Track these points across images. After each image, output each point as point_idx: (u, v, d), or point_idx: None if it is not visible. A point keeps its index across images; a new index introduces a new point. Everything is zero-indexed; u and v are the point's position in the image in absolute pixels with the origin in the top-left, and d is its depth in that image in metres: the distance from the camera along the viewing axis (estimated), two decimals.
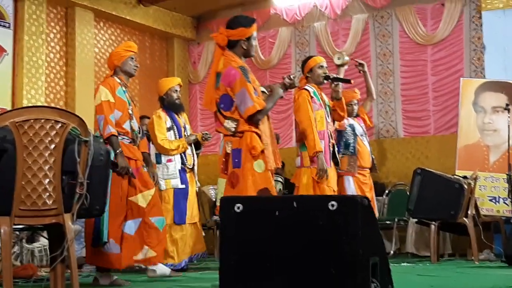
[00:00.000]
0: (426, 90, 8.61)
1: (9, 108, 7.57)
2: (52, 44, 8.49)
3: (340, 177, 6.10)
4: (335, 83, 5.33)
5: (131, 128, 4.83)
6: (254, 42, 4.18)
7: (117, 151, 4.59)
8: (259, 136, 4.01)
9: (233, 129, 3.98)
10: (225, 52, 4.10)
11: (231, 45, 4.08)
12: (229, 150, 4.00)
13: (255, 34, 4.17)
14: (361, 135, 6.46)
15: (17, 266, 5.48)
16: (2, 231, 3.18)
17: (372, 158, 6.55)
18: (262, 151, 3.98)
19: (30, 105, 7.52)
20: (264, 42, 9.71)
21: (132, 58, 5.00)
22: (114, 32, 9.38)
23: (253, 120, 3.99)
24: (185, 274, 5.71)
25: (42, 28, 8.14)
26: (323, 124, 5.24)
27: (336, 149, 5.39)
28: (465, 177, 6.60)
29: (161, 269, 4.96)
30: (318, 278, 2.62)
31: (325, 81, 5.35)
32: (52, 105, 8.18)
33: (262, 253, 2.73)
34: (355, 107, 6.50)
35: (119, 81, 4.89)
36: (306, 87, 5.31)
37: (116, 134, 4.65)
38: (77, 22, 8.61)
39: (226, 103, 4.00)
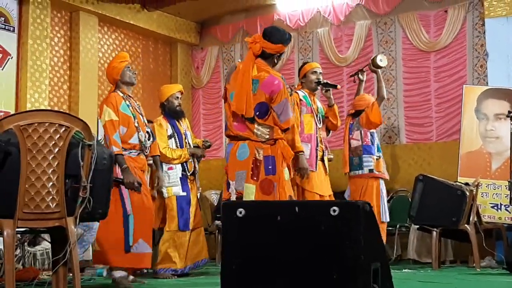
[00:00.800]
0: (428, 97, 8.61)
1: (12, 111, 7.60)
2: (56, 48, 8.52)
3: (376, 180, 6.15)
4: (325, 89, 5.42)
5: (139, 140, 4.94)
6: (283, 56, 4.24)
7: (123, 167, 4.70)
8: None
9: (266, 136, 4.00)
10: (257, 60, 4.10)
11: (264, 55, 4.10)
12: (260, 156, 3.98)
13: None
14: None
15: (19, 269, 5.50)
16: (5, 233, 3.20)
17: None
18: None
19: (33, 108, 7.54)
20: None
21: (128, 67, 5.11)
22: (118, 36, 9.41)
23: (287, 130, 4.08)
24: (186, 279, 5.73)
25: (46, 32, 8.16)
26: (311, 128, 5.30)
27: (325, 154, 5.44)
28: (467, 184, 6.60)
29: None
30: (320, 283, 2.62)
31: (318, 87, 5.42)
32: (56, 109, 8.21)
33: (264, 257, 2.74)
34: None
35: (122, 95, 4.99)
36: (297, 91, 5.38)
37: (121, 152, 4.76)
38: (81, 27, 8.63)
39: (262, 110, 4.01)
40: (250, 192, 3.93)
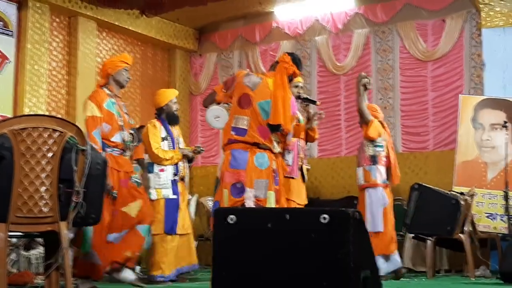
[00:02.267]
0: (425, 106, 8.63)
1: (10, 115, 7.61)
2: (55, 52, 8.54)
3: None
4: (305, 103, 5.51)
5: (122, 139, 4.87)
6: None
7: None
8: None
9: (278, 149, 4.21)
10: None
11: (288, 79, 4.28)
12: (275, 167, 4.18)
13: None
14: None
15: (13, 273, 5.50)
16: None
17: None
18: None
19: (31, 113, 7.56)
20: (265, 55, 9.76)
21: (126, 69, 5.02)
22: (116, 42, 9.43)
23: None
24: (178, 285, 5.70)
25: (45, 36, 8.19)
26: None
27: (304, 163, 5.49)
28: (462, 193, 6.61)
29: (124, 273, 5.02)
30: None
31: (298, 100, 5.46)
32: (53, 113, 8.21)
33: (254, 264, 2.75)
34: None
35: (108, 92, 4.90)
36: None
37: (100, 151, 4.62)
38: (80, 32, 8.66)
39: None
40: (274, 200, 4.12)
